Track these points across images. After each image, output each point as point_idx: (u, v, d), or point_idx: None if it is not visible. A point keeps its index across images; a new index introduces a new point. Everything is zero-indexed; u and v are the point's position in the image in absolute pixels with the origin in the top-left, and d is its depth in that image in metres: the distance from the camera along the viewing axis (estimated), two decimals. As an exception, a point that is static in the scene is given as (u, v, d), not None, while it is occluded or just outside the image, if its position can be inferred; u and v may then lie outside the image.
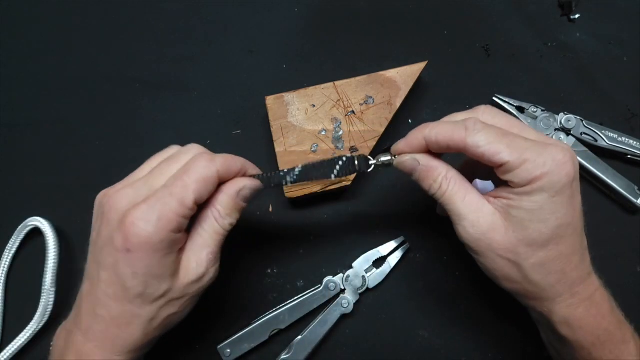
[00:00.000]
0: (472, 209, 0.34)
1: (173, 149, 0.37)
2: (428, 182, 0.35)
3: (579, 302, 0.34)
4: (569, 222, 0.33)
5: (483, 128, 0.32)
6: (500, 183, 0.39)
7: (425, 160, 0.36)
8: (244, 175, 0.36)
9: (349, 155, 0.38)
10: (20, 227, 0.48)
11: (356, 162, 0.38)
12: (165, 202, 0.31)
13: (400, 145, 0.37)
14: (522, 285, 0.34)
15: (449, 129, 0.33)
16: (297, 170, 0.38)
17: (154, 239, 0.31)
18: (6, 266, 0.48)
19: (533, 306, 0.35)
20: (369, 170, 0.38)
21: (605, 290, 0.36)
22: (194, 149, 0.36)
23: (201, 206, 0.34)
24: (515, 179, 0.32)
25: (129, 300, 0.32)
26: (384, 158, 0.38)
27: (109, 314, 0.32)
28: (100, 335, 0.33)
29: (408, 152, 0.36)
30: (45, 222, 0.47)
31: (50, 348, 0.36)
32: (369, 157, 0.38)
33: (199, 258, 0.34)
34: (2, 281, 0.47)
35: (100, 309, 0.32)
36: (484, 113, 0.35)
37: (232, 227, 0.36)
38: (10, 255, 0.48)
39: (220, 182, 0.34)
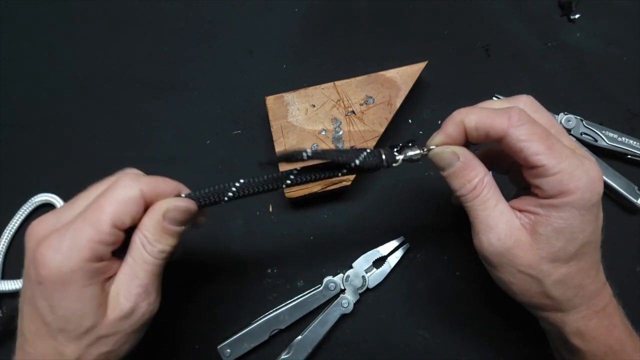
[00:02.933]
0: (501, 221, 0.31)
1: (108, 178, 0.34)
2: (461, 181, 0.32)
3: (593, 314, 0.33)
4: (592, 240, 0.32)
5: (528, 121, 0.30)
6: (518, 185, 0.38)
7: (465, 157, 0.32)
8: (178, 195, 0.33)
9: (369, 149, 0.34)
10: (27, 202, 0.48)
11: (383, 156, 0.34)
12: (77, 228, 0.28)
13: (436, 138, 0.34)
14: (539, 299, 0.33)
15: (489, 115, 0.31)
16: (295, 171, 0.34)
17: (64, 269, 0.28)
18: (7, 239, 0.47)
19: (546, 317, 0.34)
20: (394, 165, 0.35)
21: (616, 300, 0.35)
22: (125, 171, 0.33)
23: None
24: (545, 186, 0.30)
25: (52, 337, 0.29)
26: (412, 152, 0.34)
27: (35, 351, 0.30)
28: None
29: (441, 142, 0.33)
30: (57, 197, 0.48)
31: None
32: (395, 151, 0.35)
33: (127, 291, 0.30)
34: (2, 253, 0.47)
35: (27, 345, 0.30)
36: (525, 104, 0.33)
37: (169, 255, 0.32)
38: (14, 228, 0.48)
39: (149, 205, 0.31)
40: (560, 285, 0.32)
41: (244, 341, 0.44)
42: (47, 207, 0.49)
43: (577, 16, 0.55)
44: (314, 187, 0.46)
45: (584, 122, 0.50)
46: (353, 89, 0.48)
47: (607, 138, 0.49)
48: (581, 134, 0.49)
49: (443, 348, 0.46)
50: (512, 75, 0.53)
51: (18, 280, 0.46)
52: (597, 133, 0.49)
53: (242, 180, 0.33)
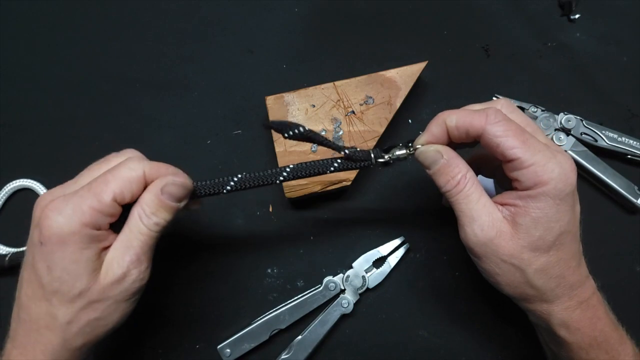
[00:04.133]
0: (483, 213, 0.34)
1: (111, 155, 0.37)
2: (446, 177, 0.35)
3: (577, 305, 0.34)
4: (569, 230, 0.34)
5: (503, 119, 0.33)
6: (504, 186, 0.39)
7: (448, 154, 0.35)
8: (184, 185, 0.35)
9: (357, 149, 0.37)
10: (4, 188, 0.49)
11: (372, 154, 0.37)
12: (82, 195, 0.31)
13: (421, 138, 0.36)
14: (523, 289, 0.34)
15: (468, 114, 0.34)
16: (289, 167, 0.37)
17: (65, 230, 0.30)
18: None
19: (532, 309, 0.36)
20: (380, 161, 0.37)
21: (600, 293, 0.36)
22: (128, 152, 0.36)
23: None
24: (522, 177, 0.32)
25: (46, 299, 0.31)
26: (400, 152, 0.37)
27: (29, 316, 0.32)
28: (23, 341, 0.32)
29: (431, 143, 0.36)
30: (37, 183, 0.49)
31: None
32: (382, 152, 0.38)
33: (121, 258, 0.32)
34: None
35: (22, 312, 0.32)
36: (502, 106, 0.35)
37: (162, 229, 0.34)
38: None
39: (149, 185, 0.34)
40: (542, 274, 0.34)
41: (244, 341, 0.44)
42: (27, 192, 0.50)
43: (577, 16, 0.55)
44: (314, 187, 0.46)
45: (583, 122, 0.50)
46: (353, 89, 0.48)
47: (607, 138, 0.49)
48: (581, 134, 0.49)
49: (443, 348, 0.46)
50: (512, 75, 0.53)
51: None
52: (597, 133, 0.49)
53: (239, 175, 0.36)
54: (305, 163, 0.37)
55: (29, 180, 0.50)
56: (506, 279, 0.34)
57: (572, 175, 0.33)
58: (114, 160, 0.34)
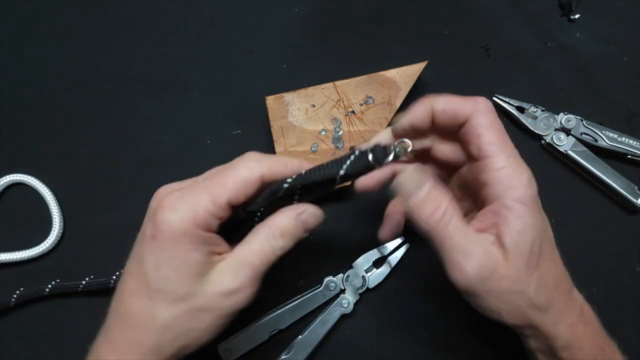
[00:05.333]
0: (476, 245, 0.31)
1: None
2: (431, 207, 0.31)
3: (578, 320, 0.33)
4: (548, 236, 0.33)
5: (492, 111, 0.32)
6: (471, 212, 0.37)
7: (432, 177, 0.32)
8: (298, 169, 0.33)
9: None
10: None
11: (370, 156, 0.33)
12: (198, 194, 0.30)
13: (404, 119, 0.34)
14: (527, 314, 0.32)
15: (458, 99, 0.33)
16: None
17: (177, 228, 0.29)
18: None
19: (536, 334, 0.33)
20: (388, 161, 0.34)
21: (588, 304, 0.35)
22: (249, 155, 0.33)
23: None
24: (492, 181, 0.31)
25: (148, 296, 0.30)
26: (391, 157, 0.33)
27: (128, 311, 0.31)
28: (117, 336, 0.31)
29: (411, 126, 0.34)
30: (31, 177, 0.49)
31: None
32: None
33: (237, 272, 0.31)
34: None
35: (121, 306, 0.31)
36: (484, 102, 0.34)
37: (283, 253, 0.33)
38: None
39: (265, 185, 0.32)
40: (542, 289, 0.32)
41: (244, 341, 0.44)
42: (22, 187, 0.50)
43: (577, 16, 0.55)
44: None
45: (584, 122, 0.50)
46: (353, 89, 0.48)
47: (607, 138, 0.49)
48: (581, 134, 0.49)
49: (443, 348, 0.46)
50: (512, 75, 0.53)
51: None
52: (597, 133, 0.49)
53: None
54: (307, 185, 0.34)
55: (23, 175, 0.50)
56: (509, 309, 0.32)
57: (534, 182, 0.32)
58: (235, 160, 0.33)
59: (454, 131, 0.34)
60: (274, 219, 0.33)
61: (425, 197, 0.32)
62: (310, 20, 0.56)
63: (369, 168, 0.33)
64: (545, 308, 0.32)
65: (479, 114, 0.32)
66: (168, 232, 0.29)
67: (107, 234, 0.49)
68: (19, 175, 0.50)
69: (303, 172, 0.33)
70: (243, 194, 0.31)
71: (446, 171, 0.39)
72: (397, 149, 0.34)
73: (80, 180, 0.51)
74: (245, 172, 0.31)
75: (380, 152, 0.33)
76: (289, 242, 0.33)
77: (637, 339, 0.46)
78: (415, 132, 0.35)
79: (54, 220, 0.48)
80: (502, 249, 0.31)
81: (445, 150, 0.36)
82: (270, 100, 0.48)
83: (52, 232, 0.48)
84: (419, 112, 0.34)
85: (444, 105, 0.33)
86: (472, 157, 0.33)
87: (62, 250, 0.49)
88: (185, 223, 0.29)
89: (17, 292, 0.46)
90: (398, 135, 0.35)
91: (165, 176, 0.51)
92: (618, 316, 0.47)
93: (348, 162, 0.33)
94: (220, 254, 0.32)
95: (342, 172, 0.33)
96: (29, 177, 0.50)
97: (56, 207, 0.49)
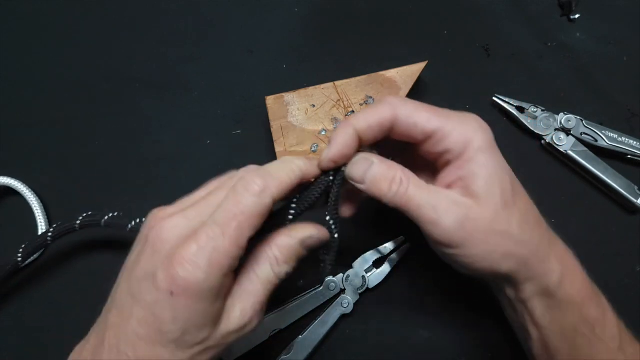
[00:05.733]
0: (442, 198, 0.32)
1: (232, 173, 0.33)
2: (386, 182, 0.32)
3: (564, 255, 0.34)
4: (514, 178, 0.34)
5: (405, 101, 0.33)
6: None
7: (377, 157, 0.33)
8: (304, 176, 0.32)
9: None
10: None
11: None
12: (218, 243, 0.27)
13: (330, 151, 0.33)
14: (515, 254, 0.32)
15: (372, 110, 0.33)
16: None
17: (204, 286, 0.27)
18: None
19: (528, 277, 0.33)
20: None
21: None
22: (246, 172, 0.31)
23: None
24: (450, 145, 0.32)
25: (162, 345, 0.28)
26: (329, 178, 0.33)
27: (135, 355, 0.28)
28: None
29: (340, 155, 0.33)
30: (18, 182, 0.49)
31: None
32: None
33: (244, 306, 0.30)
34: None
35: (126, 346, 0.28)
36: (394, 98, 0.34)
37: (287, 276, 0.32)
38: None
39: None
40: (525, 226, 0.32)
41: (244, 341, 0.44)
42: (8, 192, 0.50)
43: (577, 16, 0.55)
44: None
45: (584, 122, 0.50)
46: (353, 89, 0.48)
47: (607, 138, 0.49)
48: (581, 134, 0.49)
49: (443, 348, 0.46)
50: (512, 75, 0.53)
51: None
52: (597, 133, 0.49)
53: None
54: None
55: (7, 179, 0.49)
56: (497, 253, 0.32)
57: (487, 127, 0.33)
58: (232, 183, 0.30)
59: (386, 136, 0.34)
60: (277, 244, 0.31)
61: (376, 176, 0.32)
62: (310, 20, 0.56)
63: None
64: (532, 243, 0.33)
65: (399, 108, 0.32)
66: (192, 291, 0.27)
67: (108, 234, 0.49)
68: (5, 178, 0.49)
69: (303, 194, 0.33)
70: (259, 226, 0.29)
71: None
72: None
73: (80, 181, 0.51)
74: (258, 204, 0.29)
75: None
76: (293, 266, 0.32)
77: (637, 338, 0.46)
78: (345, 157, 0.34)
79: (39, 225, 0.48)
80: (472, 197, 0.32)
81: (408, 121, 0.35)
82: (270, 100, 0.48)
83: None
84: (343, 139, 0.32)
85: (365, 121, 0.32)
86: (423, 142, 0.34)
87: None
88: (210, 281, 0.27)
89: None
90: (326, 168, 0.34)
91: (165, 176, 0.51)
92: (618, 316, 0.47)
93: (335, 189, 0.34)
94: (229, 288, 0.31)
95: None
96: (14, 180, 0.49)
97: (41, 213, 0.48)
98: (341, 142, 0.32)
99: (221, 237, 0.27)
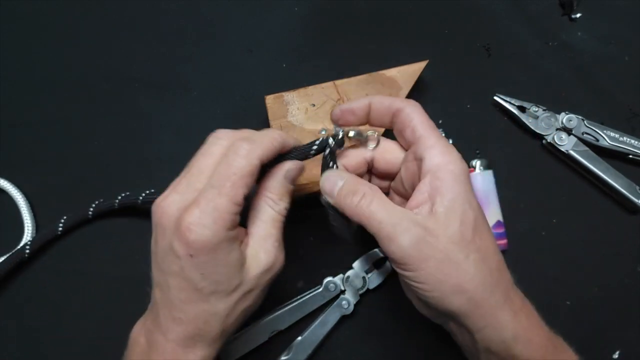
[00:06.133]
0: (404, 217, 0.33)
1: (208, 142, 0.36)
2: (351, 196, 0.34)
3: (520, 311, 0.33)
4: (480, 218, 0.34)
5: (419, 108, 0.36)
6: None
7: (347, 174, 0.36)
8: (284, 150, 0.36)
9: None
10: None
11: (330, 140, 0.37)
12: (217, 203, 0.31)
13: (343, 106, 0.38)
14: (467, 292, 0.32)
15: (391, 98, 0.37)
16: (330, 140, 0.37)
17: (214, 241, 0.31)
18: None
19: (484, 325, 0.32)
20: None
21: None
22: (228, 136, 0.35)
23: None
24: (428, 154, 0.34)
25: (204, 300, 0.32)
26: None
27: (186, 317, 0.32)
28: (181, 335, 0.33)
29: (349, 110, 0.37)
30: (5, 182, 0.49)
31: (129, 341, 0.36)
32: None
33: (266, 249, 0.34)
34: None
35: (177, 312, 0.33)
36: (414, 102, 0.37)
37: (288, 211, 0.36)
38: None
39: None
40: (481, 266, 0.32)
41: (243, 342, 0.44)
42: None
43: (578, 15, 0.55)
44: (314, 187, 0.45)
45: (585, 121, 0.49)
46: (353, 88, 0.48)
47: (609, 138, 0.49)
48: (582, 133, 0.49)
49: (443, 349, 0.46)
50: (512, 74, 0.53)
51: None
52: (598, 133, 0.49)
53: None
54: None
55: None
56: (449, 284, 0.32)
57: (464, 163, 0.34)
58: (215, 149, 0.34)
59: (388, 122, 0.37)
60: (267, 188, 0.35)
61: (343, 189, 0.35)
62: (310, 20, 0.55)
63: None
64: (486, 286, 0.32)
65: (410, 106, 0.36)
66: (206, 248, 0.31)
67: (108, 234, 0.49)
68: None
69: (288, 151, 0.36)
70: (252, 184, 0.33)
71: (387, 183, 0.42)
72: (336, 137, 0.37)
73: (80, 181, 0.51)
74: (249, 165, 0.32)
75: (325, 141, 0.37)
76: (288, 201, 0.36)
77: (638, 339, 0.46)
78: (349, 118, 0.38)
79: (25, 226, 0.48)
80: (434, 217, 0.33)
81: (387, 156, 0.39)
82: (270, 99, 0.48)
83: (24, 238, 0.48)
84: (357, 103, 0.37)
85: (380, 99, 0.37)
86: (407, 144, 0.37)
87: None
88: (219, 233, 0.31)
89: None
90: (334, 115, 0.38)
91: (165, 176, 0.51)
92: (618, 316, 0.47)
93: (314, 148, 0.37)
94: (242, 240, 0.34)
95: (312, 152, 0.37)
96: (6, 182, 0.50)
97: (28, 213, 0.49)
98: (356, 103, 0.37)
99: (218, 197, 0.31)
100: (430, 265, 0.32)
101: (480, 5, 0.55)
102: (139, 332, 0.35)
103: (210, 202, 0.31)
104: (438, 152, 0.34)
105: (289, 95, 0.48)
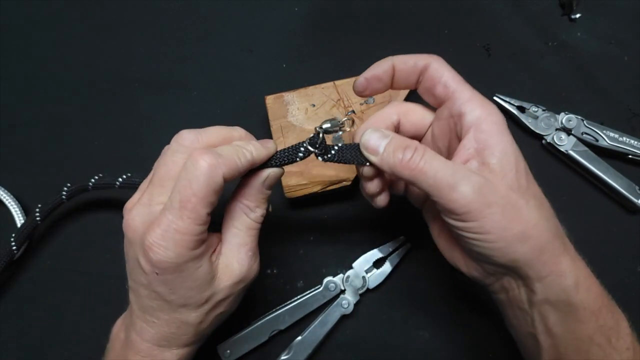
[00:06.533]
0: (458, 168, 0.31)
1: (170, 149, 0.35)
2: (401, 151, 0.31)
3: (577, 258, 0.32)
4: (528, 167, 0.33)
5: (444, 62, 0.35)
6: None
7: (392, 132, 0.34)
8: (255, 165, 0.33)
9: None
10: None
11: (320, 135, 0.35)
12: (179, 225, 0.30)
13: (367, 72, 0.36)
14: (532, 238, 0.31)
15: (413, 56, 0.35)
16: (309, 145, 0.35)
17: (178, 261, 0.30)
18: None
19: (546, 273, 0.31)
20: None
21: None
22: (185, 141, 0.33)
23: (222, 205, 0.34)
24: (468, 108, 0.33)
25: (174, 310, 0.32)
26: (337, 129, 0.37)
27: (159, 321, 0.33)
28: (155, 336, 0.33)
29: (373, 76, 0.35)
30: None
31: (111, 335, 0.37)
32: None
33: (239, 258, 0.34)
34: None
35: (149, 317, 0.33)
36: (438, 56, 0.36)
37: (264, 217, 0.35)
38: None
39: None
40: (541, 211, 0.32)
41: (243, 342, 0.44)
42: None
43: (577, 16, 0.55)
44: (314, 187, 0.45)
45: (584, 121, 0.49)
46: (353, 88, 0.48)
47: (608, 138, 0.49)
48: (582, 133, 0.49)
49: (443, 348, 0.46)
50: (512, 74, 0.53)
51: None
52: (598, 133, 0.49)
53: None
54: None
55: None
56: (514, 231, 0.30)
57: (499, 111, 0.33)
58: (177, 158, 0.33)
59: (414, 82, 0.35)
60: (243, 195, 0.34)
61: (391, 145, 0.32)
62: (310, 20, 0.55)
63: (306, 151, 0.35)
64: (549, 232, 0.31)
65: (436, 60, 0.34)
66: (170, 268, 0.30)
67: (106, 235, 0.49)
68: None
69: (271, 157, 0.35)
70: (216, 200, 0.31)
71: None
72: (333, 124, 0.37)
73: (80, 181, 0.51)
74: (212, 182, 0.30)
75: (315, 137, 0.35)
76: (264, 207, 0.35)
77: (638, 338, 0.46)
78: (375, 85, 0.36)
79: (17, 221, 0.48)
80: (488, 169, 0.32)
81: (413, 118, 0.37)
82: (269, 99, 0.48)
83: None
84: (380, 67, 0.35)
85: (403, 58, 0.35)
86: (439, 101, 0.35)
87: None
88: (182, 256, 0.30)
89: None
90: (360, 85, 0.36)
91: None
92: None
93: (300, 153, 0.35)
94: (214, 249, 0.34)
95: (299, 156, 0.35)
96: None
97: (22, 215, 0.48)
98: (378, 67, 0.35)
99: (180, 220, 0.30)
100: (494, 212, 0.30)
101: (480, 5, 0.56)
102: (119, 328, 0.36)
103: (171, 224, 0.29)
104: (477, 105, 0.33)
105: (289, 95, 0.48)
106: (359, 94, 0.37)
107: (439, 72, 0.34)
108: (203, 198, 0.30)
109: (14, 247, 0.45)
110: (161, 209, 0.31)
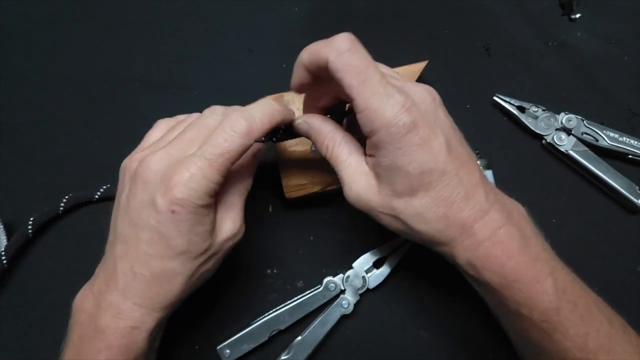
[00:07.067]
0: (350, 172, 0.35)
1: (193, 116, 0.39)
2: (319, 145, 0.37)
3: (478, 243, 0.33)
4: (431, 168, 0.32)
5: (349, 50, 0.32)
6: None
7: (312, 122, 0.38)
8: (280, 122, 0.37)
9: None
10: None
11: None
12: (207, 172, 0.32)
13: (291, 85, 0.39)
14: (415, 235, 0.35)
15: (317, 46, 0.34)
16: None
17: (198, 203, 0.32)
18: None
19: (441, 252, 0.35)
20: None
21: (514, 227, 0.33)
22: (219, 112, 0.37)
23: None
24: (360, 122, 0.33)
25: (172, 258, 0.33)
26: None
27: (150, 272, 0.33)
28: (141, 293, 0.34)
29: (296, 85, 0.38)
30: None
31: (72, 310, 0.36)
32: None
33: (232, 216, 0.37)
34: None
35: (139, 267, 0.33)
36: (340, 41, 0.33)
37: (251, 187, 0.39)
38: None
39: None
40: (419, 218, 0.33)
41: (243, 342, 0.44)
42: None
43: (577, 16, 0.55)
44: (314, 187, 0.45)
45: (584, 121, 0.49)
46: (353, 88, 0.48)
47: (608, 138, 0.49)
48: (582, 133, 0.49)
49: (443, 348, 0.46)
50: (512, 74, 0.53)
51: None
52: (598, 133, 0.49)
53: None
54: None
55: None
56: (394, 229, 0.36)
57: (404, 117, 0.31)
58: (210, 122, 0.36)
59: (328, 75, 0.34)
60: (239, 165, 0.37)
61: (314, 140, 0.38)
62: (310, 20, 0.55)
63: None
64: (430, 234, 0.34)
65: (334, 57, 0.32)
66: (189, 207, 0.32)
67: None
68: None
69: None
70: (238, 159, 0.34)
71: None
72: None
73: (80, 181, 0.51)
74: (243, 145, 0.34)
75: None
76: (252, 175, 0.39)
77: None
78: (315, 88, 0.38)
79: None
80: (377, 177, 0.35)
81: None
82: (269, 99, 0.48)
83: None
84: (296, 72, 0.37)
85: (307, 56, 0.34)
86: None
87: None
88: (202, 199, 0.33)
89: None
90: (298, 92, 0.40)
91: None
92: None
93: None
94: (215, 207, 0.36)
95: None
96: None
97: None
98: (296, 73, 0.37)
99: (209, 168, 0.33)
100: (375, 216, 0.37)
101: (480, 5, 0.56)
102: (84, 298, 0.35)
103: (200, 170, 0.32)
104: (366, 118, 0.32)
105: (289, 95, 0.48)
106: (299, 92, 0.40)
107: (336, 75, 0.32)
108: (234, 155, 0.33)
109: (4, 261, 0.46)
110: (186, 156, 0.33)
